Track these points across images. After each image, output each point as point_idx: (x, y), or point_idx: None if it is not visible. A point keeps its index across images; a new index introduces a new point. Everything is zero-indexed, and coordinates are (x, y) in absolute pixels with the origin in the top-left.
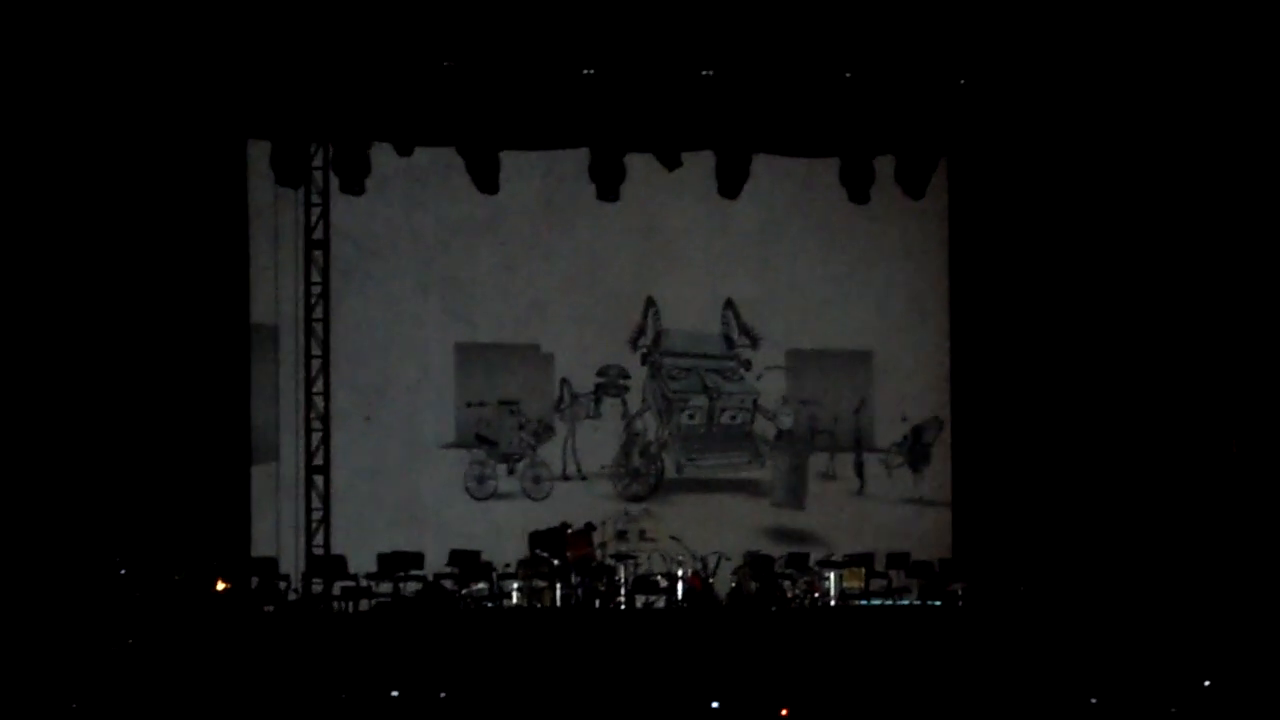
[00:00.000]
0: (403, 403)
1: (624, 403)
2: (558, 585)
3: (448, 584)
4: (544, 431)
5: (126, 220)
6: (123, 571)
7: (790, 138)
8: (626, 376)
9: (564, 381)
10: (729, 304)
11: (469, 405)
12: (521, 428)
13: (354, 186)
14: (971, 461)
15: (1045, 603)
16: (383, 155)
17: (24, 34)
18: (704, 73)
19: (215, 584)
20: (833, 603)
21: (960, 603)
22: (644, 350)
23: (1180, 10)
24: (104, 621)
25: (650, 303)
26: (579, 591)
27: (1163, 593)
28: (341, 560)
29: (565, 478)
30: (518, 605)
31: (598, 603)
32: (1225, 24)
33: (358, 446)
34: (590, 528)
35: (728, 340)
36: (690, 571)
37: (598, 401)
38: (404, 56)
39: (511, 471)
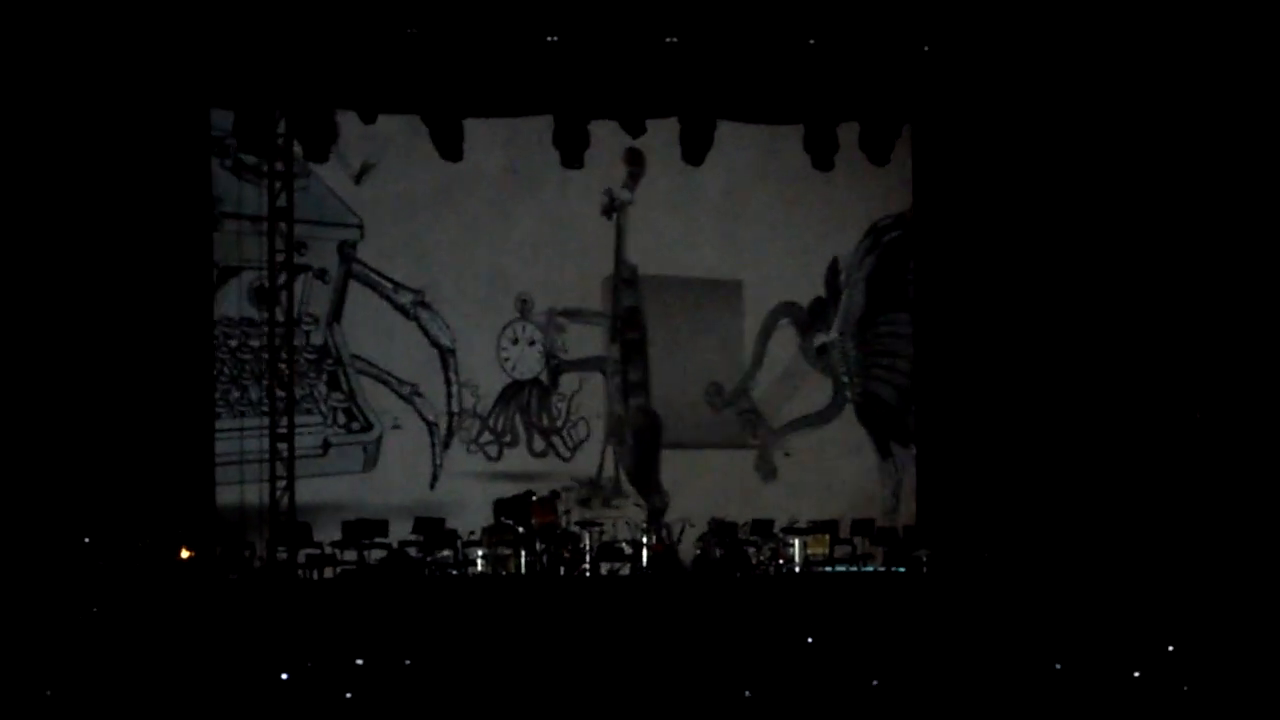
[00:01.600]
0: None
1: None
2: (522, 552)
3: (412, 552)
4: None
5: (88, 191)
6: (86, 540)
7: (754, 104)
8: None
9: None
10: None
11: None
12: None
13: (318, 154)
14: (937, 430)
15: (1009, 569)
16: (347, 122)
17: None
18: (668, 39)
19: (179, 552)
20: (797, 569)
21: (924, 569)
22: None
23: None
24: (68, 590)
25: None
26: (544, 559)
27: (1126, 558)
28: (306, 528)
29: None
30: (482, 573)
31: (562, 570)
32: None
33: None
34: (555, 495)
35: None
36: (655, 538)
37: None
38: (368, 23)
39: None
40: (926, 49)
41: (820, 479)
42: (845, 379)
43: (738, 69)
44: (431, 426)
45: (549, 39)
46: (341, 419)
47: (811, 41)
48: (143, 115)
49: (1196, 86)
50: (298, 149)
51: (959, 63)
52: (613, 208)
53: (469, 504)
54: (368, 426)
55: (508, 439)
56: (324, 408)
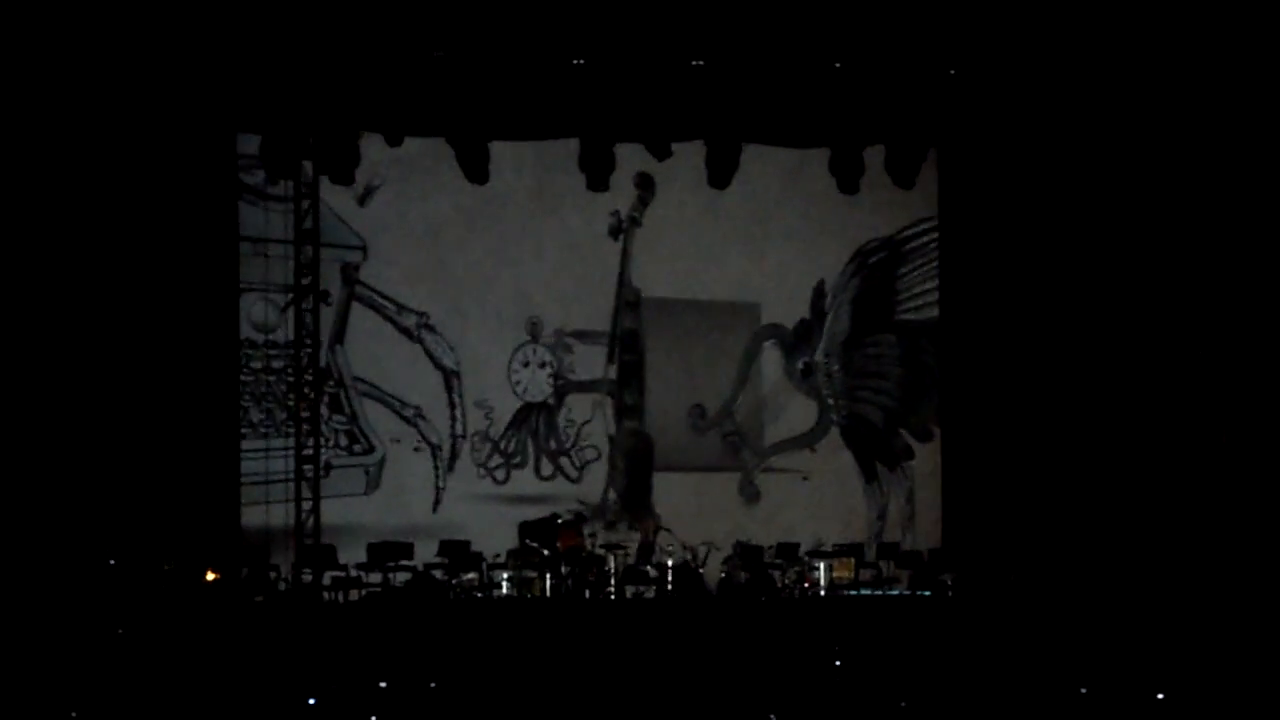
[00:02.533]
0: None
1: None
2: (548, 575)
3: (438, 574)
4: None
5: (116, 212)
6: (112, 561)
7: (780, 128)
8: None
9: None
10: None
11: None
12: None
13: (344, 177)
14: (962, 452)
15: (1035, 592)
16: (372, 146)
17: (11, 27)
18: (694, 63)
19: (205, 574)
20: (822, 593)
21: (950, 593)
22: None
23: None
24: (94, 612)
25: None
26: (569, 582)
27: (1152, 581)
28: (331, 550)
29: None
30: (508, 595)
31: (588, 593)
32: (1219, 13)
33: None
34: (580, 518)
35: None
36: (680, 561)
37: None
38: (394, 47)
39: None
40: (952, 72)
41: (806, 501)
42: (830, 401)
43: (763, 92)
44: (435, 449)
45: (575, 62)
46: (343, 441)
47: (837, 65)
48: (170, 139)
49: (1223, 110)
50: (307, 169)
51: (985, 86)
52: (620, 229)
53: (470, 527)
54: (370, 449)
55: (517, 460)
56: (326, 429)
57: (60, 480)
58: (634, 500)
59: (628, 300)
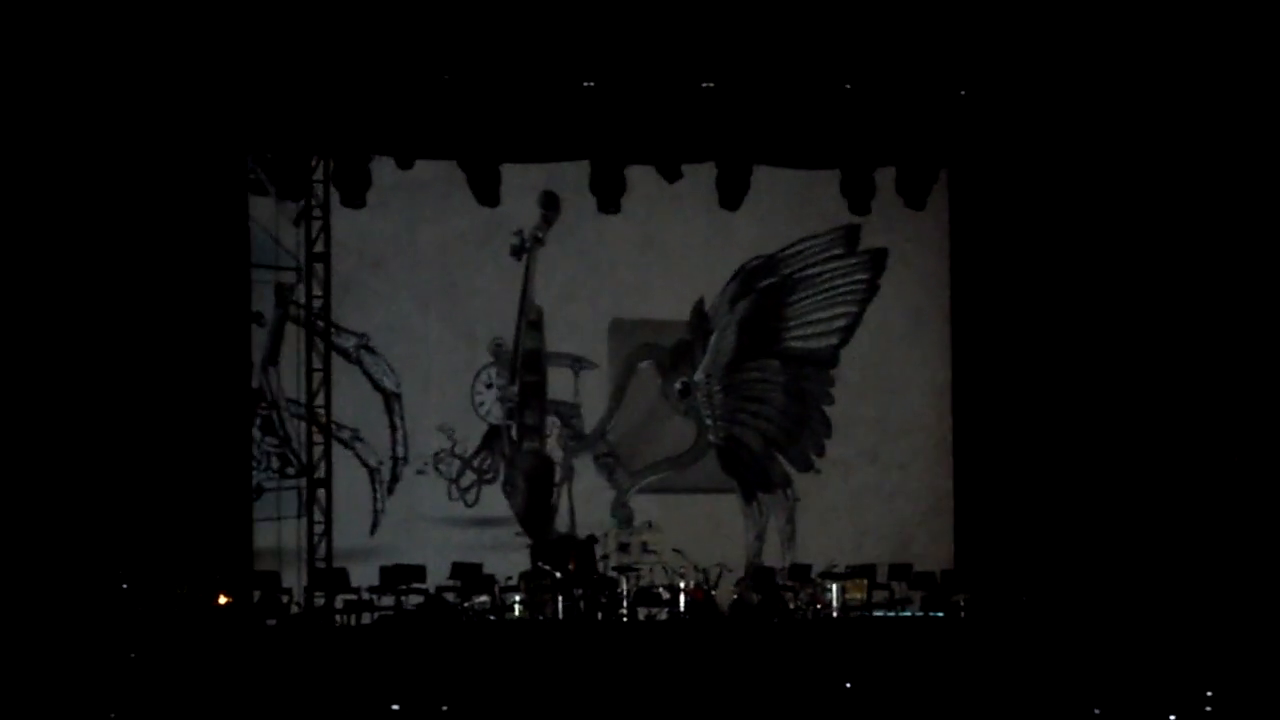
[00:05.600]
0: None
1: None
2: (560, 598)
3: (450, 597)
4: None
5: (129, 235)
6: (125, 585)
7: (791, 149)
8: None
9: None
10: None
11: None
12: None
13: (355, 200)
14: (974, 472)
15: (1048, 614)
16: (383, 168)
17: (23, 49)
18: (704, 85)
19: (217, 598)
20: (835, 614)
21: (963, 614)
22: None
23: (1179, 19)
24: (106, 635)
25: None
26: (581, 604)
27: (1165, 602)
28: (343, 573)
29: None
30: (520, 618)
31: (600, 615)
32: (1225, 33)
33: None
34: (592, 540)
35: None
36: (692, 583)
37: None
38: (404, 69)
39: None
40: (963, 93)
41: (685, 521)
42: (709, 422)
43: (774, 114)
44: (373, 471)
45: (585, 84)
46: (276, 463)
47: (848, 86)
48: (181, 162)
49: (1233, 131)
50: (271, 189)
51: (996, 107)
52: (523, 249)
53: (407, 550)
54: (303, 472)
55: (489, 476)
56: (257, 452)
57: (72, 505)
58: (533, 522)
59: (530, 320)
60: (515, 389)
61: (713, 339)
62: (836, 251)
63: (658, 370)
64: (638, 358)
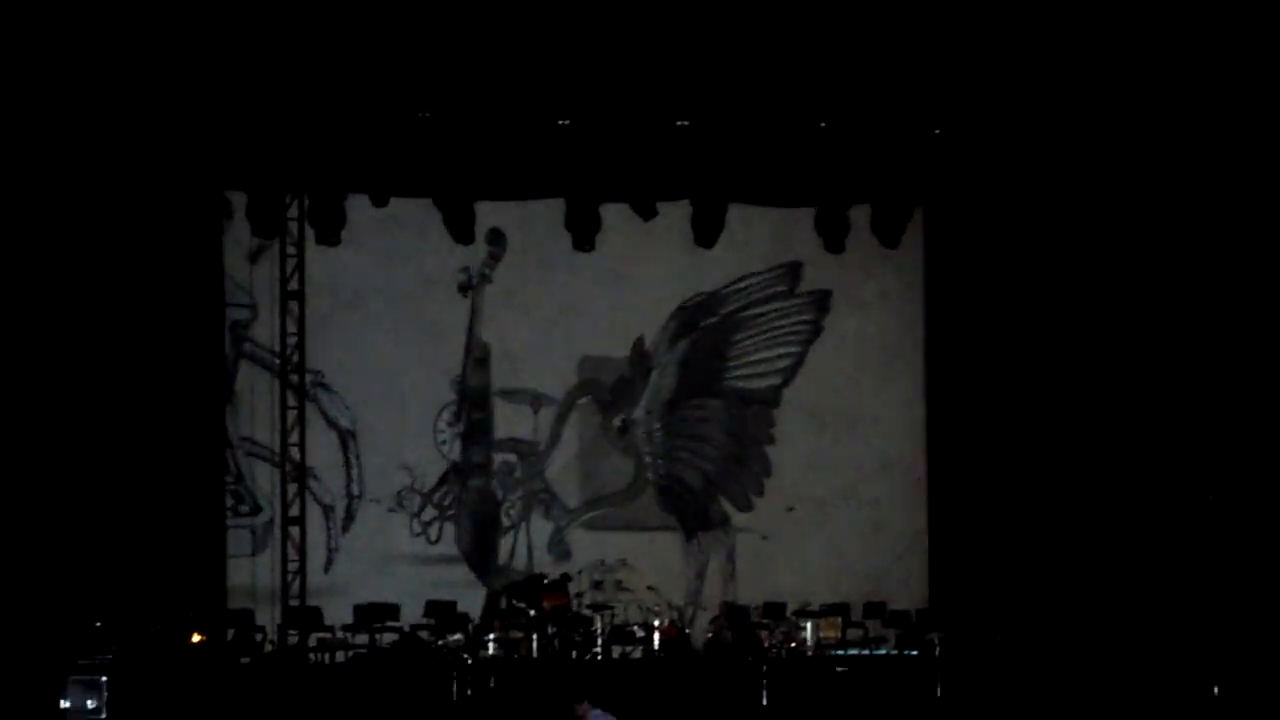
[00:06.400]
0: (380, 452)
1: None
2: (534, 636)
3: (424, 635)
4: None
5: (103, 273)
6: (98, 624)
7: (766, 187)
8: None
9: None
10: None
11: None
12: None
13: (330, 238)
14: (949, 510)
15: (1022, 652)
16: (358, 206)
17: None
18: (679, 123)
19: (191, 636)
20: (809, 653)
21: (937, 652)
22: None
23: (1152, 61)
24: (81, 673)
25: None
26: (555, 642)
27: (1141, 642)
28: (317, 611)
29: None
30: (494, 656)
31: (574, 653)
32: (1195, 71)
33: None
34: (566, 578)
35: None
36: (666, 621)
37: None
38: (380, 108)
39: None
40: (937, 132)
41: (624, 558)
42: (648, 460)
43: (749, 152)
44: (327, 509)
45: (560, 123)
46: (229, 501)
47: (822, 125)
48: (157, 199)
49: (1207, 172)
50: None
51: (970, 146)
52: (469, 285)
53: (360, 589)
54: (256, 509)
55: (450, 512)
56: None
57: (47, 544)
58: (476, 558)
59: (477, 358)
60: (459, 428)
61: (653, 376)
62: (780, 288)
63: (598, 407)
64: (577, 394)
